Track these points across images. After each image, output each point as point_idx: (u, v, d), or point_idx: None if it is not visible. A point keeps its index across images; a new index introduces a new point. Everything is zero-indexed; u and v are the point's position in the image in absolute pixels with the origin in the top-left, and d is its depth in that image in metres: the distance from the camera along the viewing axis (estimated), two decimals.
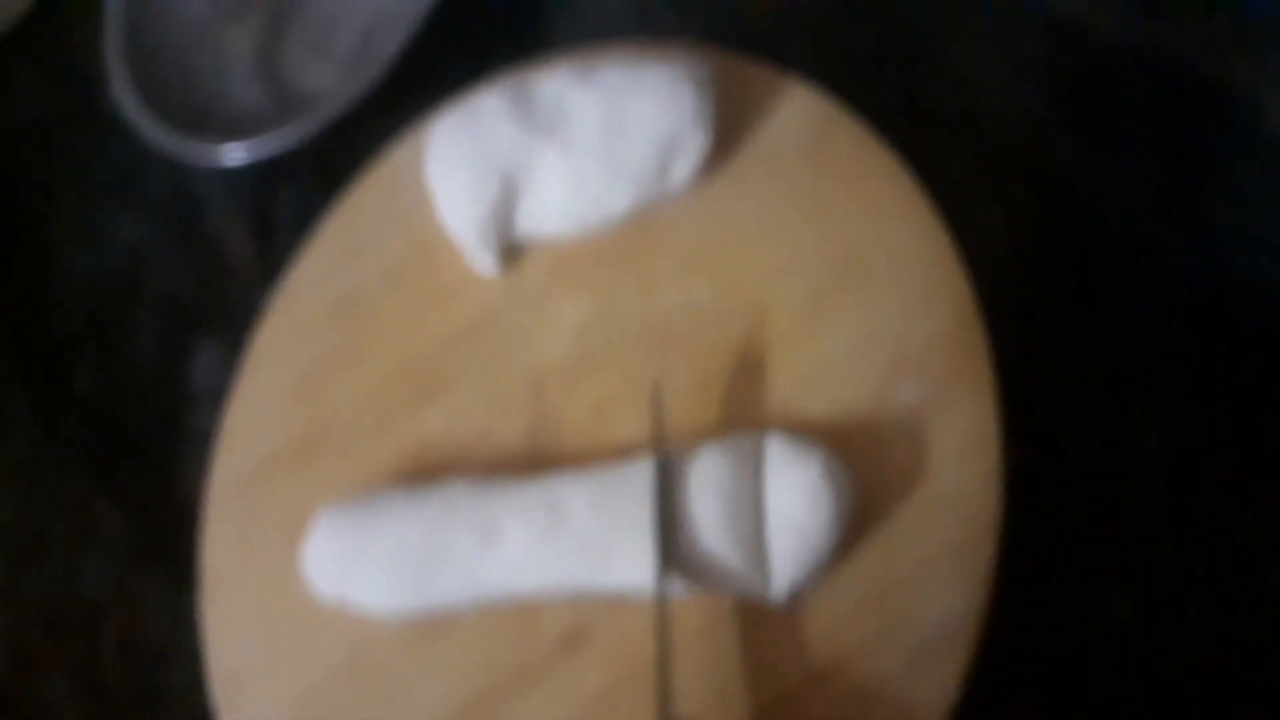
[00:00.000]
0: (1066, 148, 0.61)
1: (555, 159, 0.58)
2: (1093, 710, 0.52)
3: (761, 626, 0.51)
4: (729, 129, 0.59)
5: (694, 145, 0.57)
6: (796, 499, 0.49)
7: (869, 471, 0.51)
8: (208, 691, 0.56)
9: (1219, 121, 0.60)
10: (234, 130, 0.68)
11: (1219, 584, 0.52)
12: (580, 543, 0.51)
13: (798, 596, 0.50)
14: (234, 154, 0.67)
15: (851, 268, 0.56)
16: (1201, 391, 0.55)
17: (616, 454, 0.54)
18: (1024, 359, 0.54)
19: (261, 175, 0.70)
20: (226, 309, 0.69)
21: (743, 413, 0.54)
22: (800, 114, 0.60)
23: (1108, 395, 0.56)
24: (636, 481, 0.51)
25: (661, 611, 0.49)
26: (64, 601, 0.66)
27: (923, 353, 0.53)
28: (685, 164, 0.58)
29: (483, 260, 0.60)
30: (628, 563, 0.50)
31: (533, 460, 0.56)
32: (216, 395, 0.63)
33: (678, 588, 0.50)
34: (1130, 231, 0.59)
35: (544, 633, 0.53)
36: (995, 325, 0.53)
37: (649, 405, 0.54)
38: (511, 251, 0.61)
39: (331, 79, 0.74)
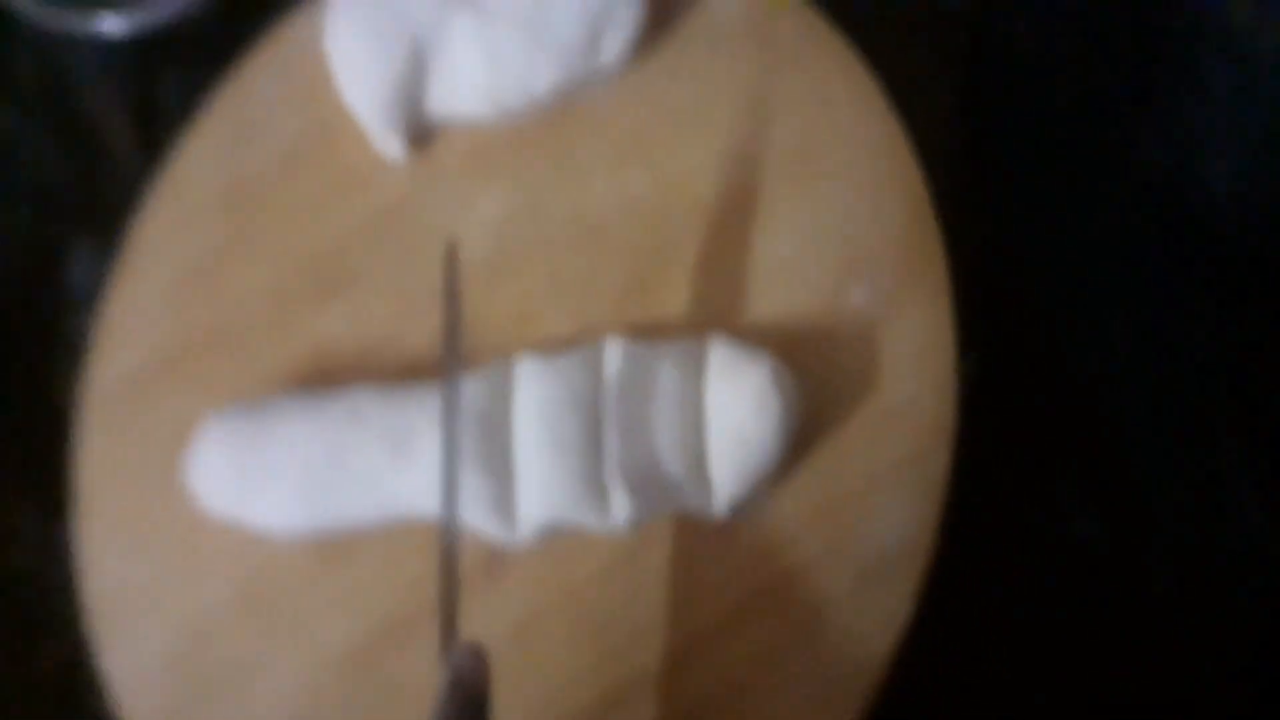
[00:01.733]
0: (1028, 36, 0.59)
1: (472, 27, 0.54)
2: (1051, 631, 0.51)
3: (701, 543, 0.49)
4: (667, 4, 0.56)
5: (627, 17, 0.55)
6: (741, 407, 0.47)
7: (818, 379, 0.50)
8: (86, 624, 0.53)
9: (1186, 14, 0.58)
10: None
11: (1188, 497, 0.52)
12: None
13: (740, 511, 0.48)
14: (112, 24, 0.65)
15: (799, 160, 0.54)
16: (1165, 291, 0.55)
17: None
18: (980, 259, 0.52)
19: (144, 53, 0.66)
20: (105, 203, 0.63)
21: (682, 317, 0.52)
22: None
23: (1068, 297, 0.55)
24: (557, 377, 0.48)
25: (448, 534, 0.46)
26: None
27: (874, 253, 0.52)
28: (617, 38, 0.55)
29: (390, 143, 0.56)
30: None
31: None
32: (93, 298, 0.59)
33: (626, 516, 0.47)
34: (1092, 124, 0.58)
35: (460, 557, 0.49)
36: (950, 224, 0.52)
37: (443, 270, 0.50)
38: (422, 135, 0.57)
39: None
